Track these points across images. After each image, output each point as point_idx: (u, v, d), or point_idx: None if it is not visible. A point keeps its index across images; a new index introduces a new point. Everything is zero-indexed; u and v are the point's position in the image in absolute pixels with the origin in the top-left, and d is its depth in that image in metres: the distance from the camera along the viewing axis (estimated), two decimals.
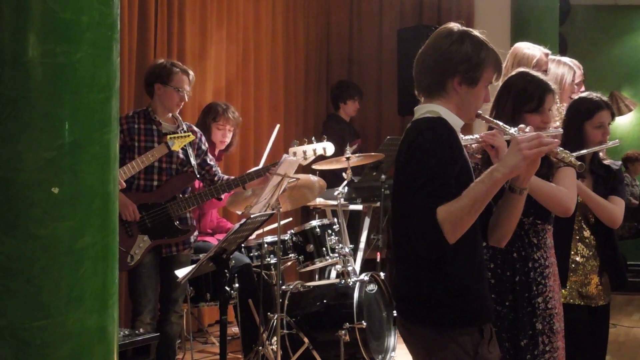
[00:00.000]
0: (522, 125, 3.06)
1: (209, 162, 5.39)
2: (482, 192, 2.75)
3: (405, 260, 2.99)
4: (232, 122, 6.31)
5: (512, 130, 3.05)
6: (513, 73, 3.69)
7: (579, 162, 2.99)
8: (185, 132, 5.12)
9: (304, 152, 5.47)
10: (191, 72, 5.34)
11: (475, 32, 3.00)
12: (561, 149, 2.97)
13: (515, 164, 2.78)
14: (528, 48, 4.70)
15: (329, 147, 5.60)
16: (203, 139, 5.44)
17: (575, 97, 4.71)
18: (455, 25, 3.02)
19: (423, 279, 2.91)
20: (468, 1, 9.56)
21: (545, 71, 4.51)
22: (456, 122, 2.95)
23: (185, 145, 5.19)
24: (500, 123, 3.13)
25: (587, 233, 4.40)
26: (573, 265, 4.35)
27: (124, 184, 4.83)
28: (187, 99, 5.28)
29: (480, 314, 2.95)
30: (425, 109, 2.97)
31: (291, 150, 5.44)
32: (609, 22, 12.35)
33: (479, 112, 3.06)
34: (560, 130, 2.93)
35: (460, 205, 2.73)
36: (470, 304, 2.91)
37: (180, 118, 5.34)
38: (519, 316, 3.48)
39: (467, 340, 2.89)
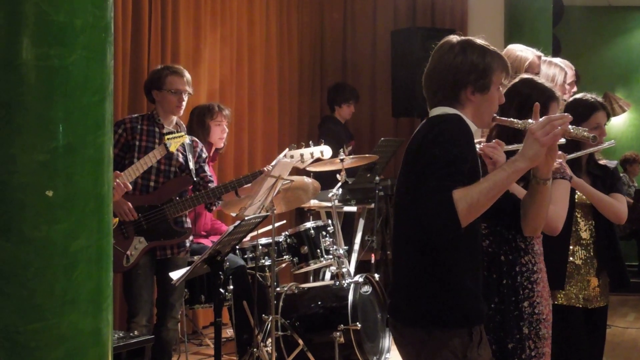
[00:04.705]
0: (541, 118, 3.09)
1: (205, 170, 5.39)
2: (502, 178, 2.80)
3: (403, 257, 3.01)
4: (227, 119, 6.33)
5: (529, 121, 3.08)
6: (517, 80, 3.68)
7: (592, 134, 3.02)
8: (179, 133, 5.13)
9: (302, 156, 5.47)
10: (186, 73, 5.33)
11: (476, 40, 3.06)
12: (573, 126, 3.00)
13: (535, 152, 2.83)
14: (521, 50, 4.71)
15: (326, 151, 5.59)
16: (204, 149, 5.47)
17: (567, 97, 4.72)
18: (454, 37, 3.08)
19: (418, 277, 2.93)
20: (461, 3, 9.57)
21: (537, 74, 4.52)
22: (471, 127, 2.99)
23: (185, 151, 5.21)
24: (515, 120, 3.17)
25: (585, 234, 4.40)
26: (572, 268, 4.35)
27: (130, 186, 4.85)
28: (186, 99, 5.27)
29: (469, 315, 2.95)
30: (440, 111, 3.01)
31: (288, 153, 5.43)
32: (602, 23, 12.38)
33: (494, 115, 3.11)
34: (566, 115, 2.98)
35: (479, 188, 2.77)
36: (459, 305, 2.92)
37: (184, 125, 5.36)
38: (505, 319, 3.47)
39: (456, 343, 2.89)
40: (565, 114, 2.95)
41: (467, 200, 2.72)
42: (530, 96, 3.53)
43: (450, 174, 2.77)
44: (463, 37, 3.06)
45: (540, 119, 2.90)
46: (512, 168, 2.82)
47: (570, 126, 2.98)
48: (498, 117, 3.14)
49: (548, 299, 3.58)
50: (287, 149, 5.43)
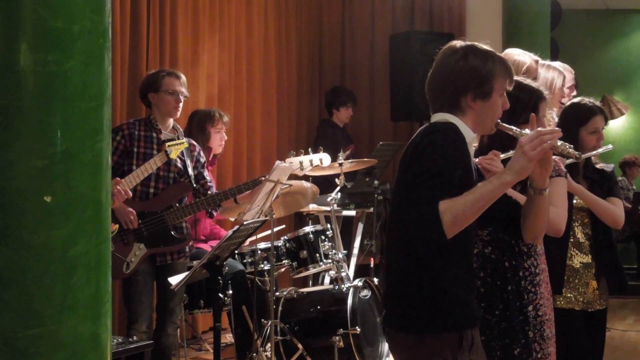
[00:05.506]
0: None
1: (205, 176, 5.39)
2: (488, 191, 2.78)
3: (394, 265, 3.01)
4: (226, 126, 6.34)
5: (526, 131, 3.05)
6: None
7: (577, 152, 3.01)
8: (179, 140, 5.14)
9: (301, 163, 5.47)
10: (181, 75, 5.34)
11: (480, 45, 3.03)
12: (560, 142, 2.99)
13: (522, 166, 2.80)
14: (518, 54, 4.71)
15: (325, 158, 5.60)
16: (202, 152, 5.46)
17: (566, 101, 4.72)
18: (458, 42, 3.05)
19: (408, 283, 2.93)
20: (459, 6, 9.58)
21: (534, 78, 4.51)
22: (468, 135, 2.96)
23: (184, 156, 5.21)
24: (514, 128, 3.14)
25: (583, 238, 4.40)
26: (570, 272, 4.35)
27: (130, 193, 4.84)
28: (182, 100, 5.27)
29: (459, 320, 2.94)
30: (439, 118, 3.00)
31: (288, 160, 5.44)
32: (600, 26, 12.39)
33: (498, 121, 3.07)
34: (557, 130, 2.95)
35: (464, 200, 2.75)
36: (448, 310, 2.91)
37: (181, 129, 5.36)
38: (511, 325, 3.46)
39: (446, 349, 2.89)
40: (556, 129, 2.93)
41: (452, 212, 2.72)
42: (518, 98, 3.51)
43: (439, 185, 2.76)
44: (467, 43, 3.03)
45: (531, 132, 2.87)
46: (499, 181, 2.80)
47: (558, 141, 2.97)
48: (501, 124, 3.10)
49: (549, 298, 3.58)
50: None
